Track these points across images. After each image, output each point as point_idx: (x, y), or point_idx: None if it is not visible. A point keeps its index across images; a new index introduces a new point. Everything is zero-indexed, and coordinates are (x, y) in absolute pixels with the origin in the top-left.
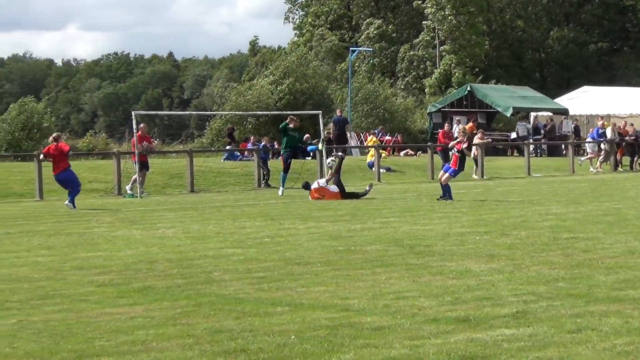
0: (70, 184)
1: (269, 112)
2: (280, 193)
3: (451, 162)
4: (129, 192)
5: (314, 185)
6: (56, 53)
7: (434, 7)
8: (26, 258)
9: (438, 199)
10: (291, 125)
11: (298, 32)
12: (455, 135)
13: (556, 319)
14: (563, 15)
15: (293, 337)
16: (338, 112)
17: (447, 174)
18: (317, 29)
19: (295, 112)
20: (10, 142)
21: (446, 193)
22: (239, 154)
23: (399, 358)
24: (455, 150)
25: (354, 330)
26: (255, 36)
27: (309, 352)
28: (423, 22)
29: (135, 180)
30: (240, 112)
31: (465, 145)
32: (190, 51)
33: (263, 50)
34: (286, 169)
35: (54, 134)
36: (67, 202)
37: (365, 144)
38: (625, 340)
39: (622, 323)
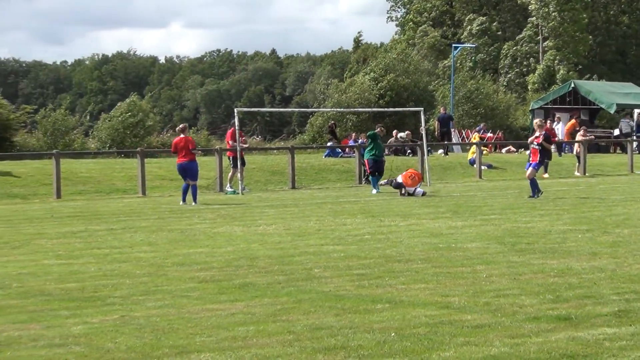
0: (191, 173)
1: (369, 109)
2: (374, 192)
3: (531, 157)
4: (229, 190)
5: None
6: (160, 50)
7: (539, 2)
8: (129, 254)
9: (529, 197)
10: (380, 134)
11: (400, 29)
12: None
13: None
14: None
15: (393, 334)
16: (442, 110)
17: (530, 169)
18: (420, 26)
19: (397, 109)
20: (114, 138)
21: (534, 189)
22: (340, 150)
23: (500, 356)
24: (535, 144)
25: (454, 328)
26: (359, 32)
27: (409, 349)
28: (528, 19)
29: (232, 178)
30: (341, 109)
31: (542, 139)
32: (293, 48)
33: (365, 47)
34: (373, 172)
35: (181, 125)
36: (192, 202)
37: (467, 141)
38: None
39: None
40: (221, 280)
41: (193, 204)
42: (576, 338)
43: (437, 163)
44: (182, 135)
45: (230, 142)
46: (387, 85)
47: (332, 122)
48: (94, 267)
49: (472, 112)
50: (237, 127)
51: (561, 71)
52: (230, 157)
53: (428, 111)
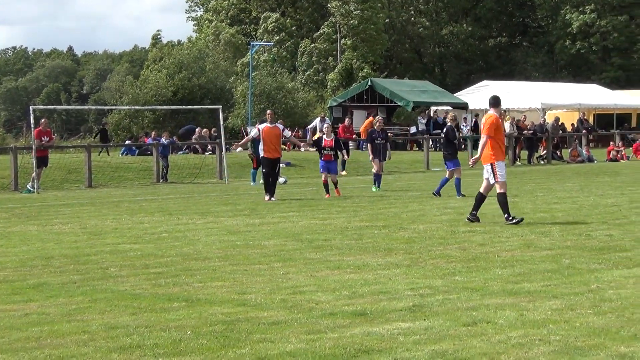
0: None
1: (166, 107)
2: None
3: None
4: (29, 188)
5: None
6: None
7: (339, 0)
8: None
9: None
10: None
11: (197, 28)
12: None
13: (452, 312)
14: (462, 10)
15: (189, 332)
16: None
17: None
18: (216, 23)
19: (193, 107)
20: None
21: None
22: (136, 149)
23: (295, 352)
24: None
25: (250, 325)
26: (158, 30)
27: (205, 347)
28: (326, 17)
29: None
30: (137, 107)
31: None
32: (93, 45)
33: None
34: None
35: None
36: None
37: None
38: (519, 333)
39: (517, 316)
40: (15, 280)
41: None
42: (371, 333)
43: (235, 161)
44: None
45: (37, 140)
46: (179, 83)
47: (105, 121)
48: None
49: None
50: (33, 125)
51: (359, 69)
52: (34, 157)
53: (226, 109)
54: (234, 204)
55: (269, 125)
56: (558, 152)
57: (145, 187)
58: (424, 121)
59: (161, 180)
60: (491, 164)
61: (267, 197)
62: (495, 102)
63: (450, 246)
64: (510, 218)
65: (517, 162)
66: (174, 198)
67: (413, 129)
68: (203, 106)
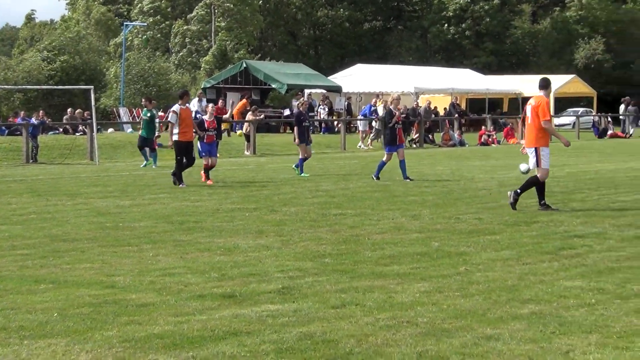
0: None
1: (37, 87)
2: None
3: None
4: None
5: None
6: None
7: None
8: None
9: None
10: None
11: (70, 7)
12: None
13: (321, 294)
14: None
15: (56, 314)
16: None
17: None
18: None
19: (66, 87)
20: None
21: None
22: (5, 128)
23: (163, 334)
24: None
25: (118, 307)
26: (32, 10)
27: (72, 329)
28: None
29: None
30: (7, 87)
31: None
32: None
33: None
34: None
35: None
36: None
37: (138, 120)
38: (388, 315)
39: (385, 298)
40: None
41: None
42: (240, 315)
43: (106, 142)
44: None
45: None
46: (59, 67)
47: None
48: None
49: (144, 91)
50: None
51: (233, 51)
52: None
53: (99, 90)
54: (105, 185)
55: (182, 107)
56: (430, 136)
57: (14, 167)
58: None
59: (31, 161)
60: (535, 148)
61: (181, 184)
62: (545, 84)
63: (321, 229)
64: (546, 205)
65: None
66: (44, 179)
67: (287, 112)
68: (75, 86)
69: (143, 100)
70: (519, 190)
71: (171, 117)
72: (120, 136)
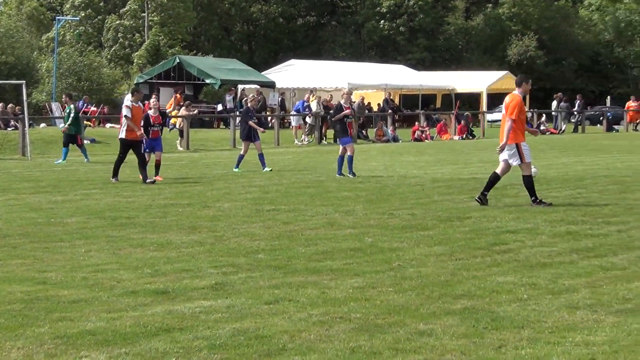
0: None
1: None
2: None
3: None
4: None
5: None
6: None
7: None
8: None
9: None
10: None
11: (2, 2)
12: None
13: (254, 290)
14: None
15: None
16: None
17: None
18: None
19: None
20: None
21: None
22: None
23: (95, 331)
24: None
25: (50, 303)
26: None
27: (3, 326)
28: None
29: None
30: None
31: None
32: None
33: None
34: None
35: None
36: None
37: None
38: (321, 311)
39: (318, 293)
40: None
41: None
42: (173, 311)
43: (39, 137)
44: None
45: None
46: None
47: None
48: None
49: (76, 86)
50: None
51: (166, 46)
52: None
53: (31, 85)
54: (37, 180)
55: (134, 103)
56: (364, 132)
57: None
58: (230, 98)
59: None
60: (516, 145)
61: (114, 179)
62: (518, 82)
63: (255, 224)
64: (538, 201)
65: (324, 142)
66: None
67: (220, 107)
68: (7, 82)
69: (64, 96)
70: (486, 191)
71: (126, 111)
72: (53, 131)
